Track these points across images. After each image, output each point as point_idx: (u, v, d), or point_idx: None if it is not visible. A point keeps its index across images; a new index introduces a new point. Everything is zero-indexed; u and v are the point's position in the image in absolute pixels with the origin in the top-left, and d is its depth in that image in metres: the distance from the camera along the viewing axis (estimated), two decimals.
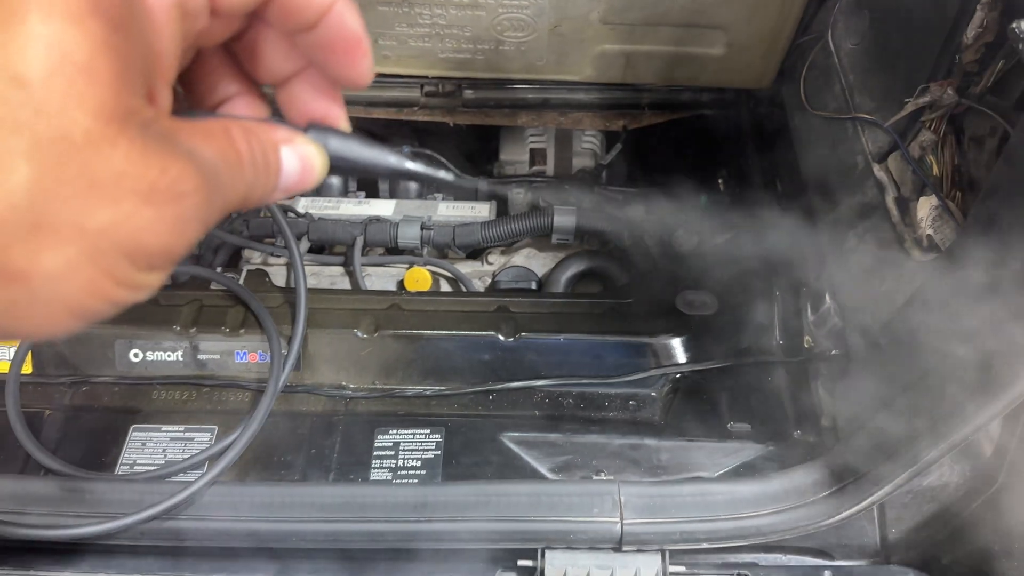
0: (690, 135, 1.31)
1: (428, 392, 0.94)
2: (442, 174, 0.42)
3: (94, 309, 0.30)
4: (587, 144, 1.34)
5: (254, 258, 1.22)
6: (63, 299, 0.29)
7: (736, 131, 1.24)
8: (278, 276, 1.18)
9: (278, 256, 1.19)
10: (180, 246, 0.31)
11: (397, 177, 0.41)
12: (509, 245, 1.22)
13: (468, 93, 1.27)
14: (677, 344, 0.94)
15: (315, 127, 0.38)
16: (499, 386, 0.94)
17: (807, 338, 0.95)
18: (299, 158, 0.36)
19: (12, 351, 0.95)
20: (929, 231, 0.84)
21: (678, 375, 0.93)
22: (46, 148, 0.26)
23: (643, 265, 1.12)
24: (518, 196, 1.29)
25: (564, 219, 1.14)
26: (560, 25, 1.08)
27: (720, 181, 1.26)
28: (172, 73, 0.32)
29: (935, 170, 0.88)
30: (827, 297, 0.94)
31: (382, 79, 1.25)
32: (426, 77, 1.23)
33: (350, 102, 1.28)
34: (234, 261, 1.22)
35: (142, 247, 0.29)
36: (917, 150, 0.90)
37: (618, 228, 1.14)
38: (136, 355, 0.96)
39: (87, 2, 0.26)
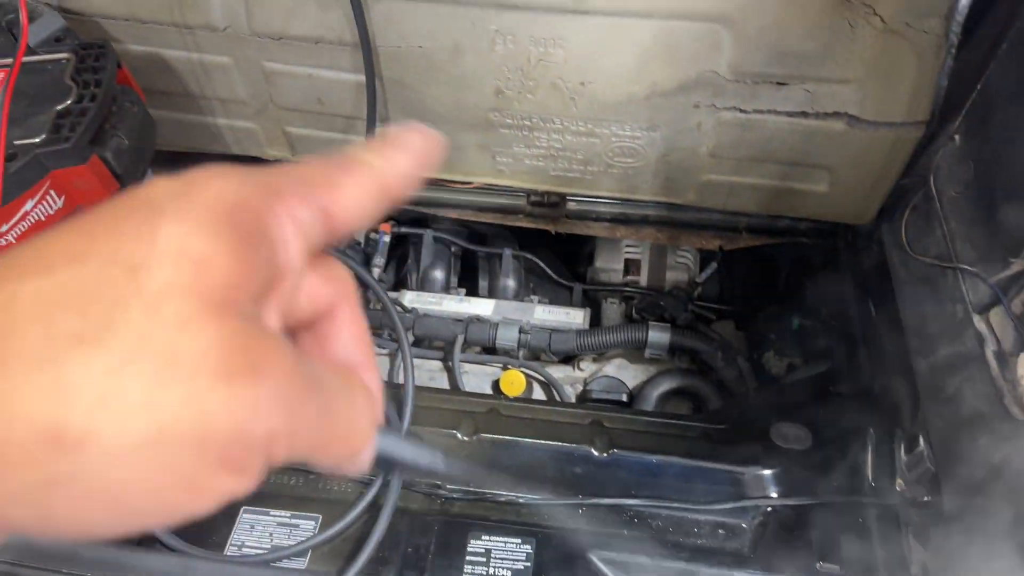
0: (786, 260, 1.34)
1: (521, 499, 0.98)
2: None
3: (143, 508, 0.27)
4: (681, 259, 1.39)
5: None
6: (111, 485, 0.26)
7: (833, 261, 1.26)
8: (379, 367, 1.25)
9: (382, 348, 1.26)
10: (253, 432, 0.27)
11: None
12: (600, 353, 1.27)
13: (571, 205, 1.34)
14: (769, 476, 0.96)
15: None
16: (590, 501, 0.97)
17: (899, 481, 0.96)
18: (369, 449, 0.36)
19: None
20: None
21: (769, 508, 0.95)
22: (135, 323, 0.26)
23: (736, 388, 1.14)
24: (612, 306, 1.33)
25: (658, 335, 1.18)
26: (669, 155, 1.13)
27: (813, 308, 1.28)
28: (285, 300, 0.32)
29: None
30: (920, 441, 0.95)
31: (492, 188, 1.33)
32: (534, 190, 1.30)
33: (461, 206, 1.36)
34: None
35: (212, 431, 0.26)
36: (1020, 306, 0.92)
37: (711, 348, 1.18)
38: None
39: (221, 213, 0.28)
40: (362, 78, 1.10)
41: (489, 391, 1.25)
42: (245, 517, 0.96)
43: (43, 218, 0.95)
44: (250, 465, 0.28)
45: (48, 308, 0.26)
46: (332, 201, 0.33)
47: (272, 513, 0.96)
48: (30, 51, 1.03)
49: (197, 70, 1.15)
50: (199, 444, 0.26)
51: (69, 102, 0.97)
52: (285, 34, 1.07)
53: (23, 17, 0.83)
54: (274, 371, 0.28)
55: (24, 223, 0.93)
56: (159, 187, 0.29)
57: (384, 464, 0.38)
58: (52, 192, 0.94)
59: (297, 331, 0.36)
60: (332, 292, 0.35)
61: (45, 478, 0.26)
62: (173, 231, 0.28)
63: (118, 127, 1.00)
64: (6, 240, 0.92)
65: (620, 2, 0.97)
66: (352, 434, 0.34)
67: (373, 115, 1.11)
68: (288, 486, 1.00)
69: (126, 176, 1.01)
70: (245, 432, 0.27)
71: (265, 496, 0.99)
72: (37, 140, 0.93)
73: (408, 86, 1.12)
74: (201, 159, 1.34)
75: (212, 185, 0.30)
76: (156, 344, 0.26)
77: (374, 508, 0.95)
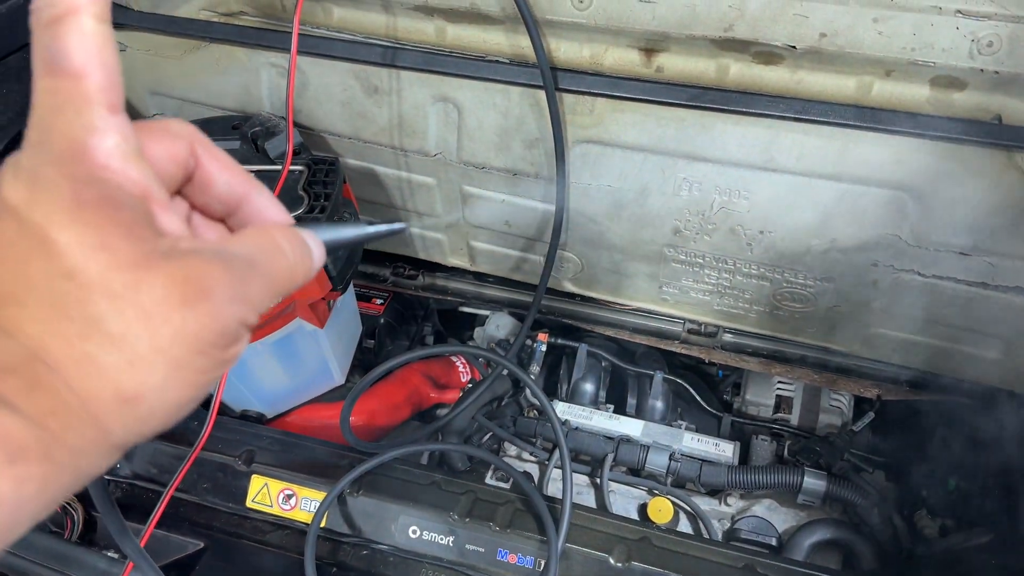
0: (944, 417, 1.32)
1: None
2: (386, 227, 0.50)
3: (194, 395, 0.38)
4: (835, 402, 1.39)
5: (510, 451, 1.35)
6: (172, 403, 0.37)
7: (995, 423, 1.24)
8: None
9: (535, 457, 1.31)
10: (228, 325, 0.38)
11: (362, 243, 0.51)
12: (748, 490, 1.27)
13: (727, 337, 1.37)
14: None
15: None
16: None
17: None
18: (316, 245, 0.46)
19: (315, 504, 1.12)
20: None
21: None
22: (103, 299, 0.34)
23: (889, 547, 1.13)
24: (763, 443, 1.34)
25: (814, 483, 1.18)
26: (840, 306, 1.16)
27: (971, 471, 1.25)
28: (165, 202, 0.39)
29: None
30: None
31: (651, 314, 1.38)
32: (695, 320, 1.35)
33: (617, 325, 1.42)
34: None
35: (203, 339, 0.37)
36: None
37: (867, 503, 1.17)
38: (414, 531, 1.09)
39: (74, 194, 0.35)
40: (550, 207, 1.20)
41: (634, 513, 1.27)
42: None
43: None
44: (242, 335, 0.39)
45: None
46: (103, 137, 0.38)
47: None
48: (269, 161, 1.17)
49: (404, 186, 1.28)
50: (201, 351, 0.37)
51: (301, 211, 1.09)
52: (488, 164, 1.18)
53: (290, 137, 0.96)
54: (217, 282, 0.37)
55: None
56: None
57: (331, 251, 0.48)
58: None
59: (186, 191, 0.44)
60: (183, 144, 0.43)
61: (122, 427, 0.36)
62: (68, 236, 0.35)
63: None
64: None
65: (809, 163, 1.03)
66: (292, 269, 0.43)
67: (556, 242, 1.20)
68: None
69: (338, 279, 1.12)
70: (225, 328, 0.38)
71: None
72: None
73: (591, 218, 1.20)
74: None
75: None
76: (131, 311, 0.35)
77: None
